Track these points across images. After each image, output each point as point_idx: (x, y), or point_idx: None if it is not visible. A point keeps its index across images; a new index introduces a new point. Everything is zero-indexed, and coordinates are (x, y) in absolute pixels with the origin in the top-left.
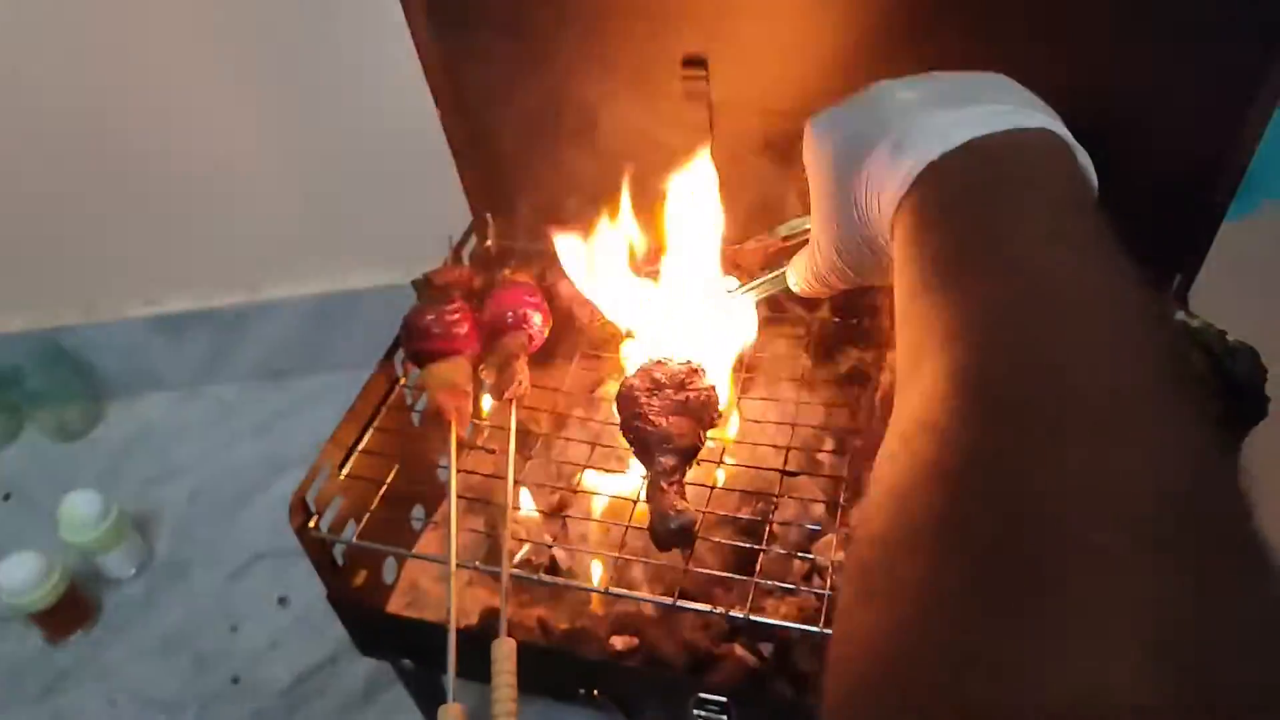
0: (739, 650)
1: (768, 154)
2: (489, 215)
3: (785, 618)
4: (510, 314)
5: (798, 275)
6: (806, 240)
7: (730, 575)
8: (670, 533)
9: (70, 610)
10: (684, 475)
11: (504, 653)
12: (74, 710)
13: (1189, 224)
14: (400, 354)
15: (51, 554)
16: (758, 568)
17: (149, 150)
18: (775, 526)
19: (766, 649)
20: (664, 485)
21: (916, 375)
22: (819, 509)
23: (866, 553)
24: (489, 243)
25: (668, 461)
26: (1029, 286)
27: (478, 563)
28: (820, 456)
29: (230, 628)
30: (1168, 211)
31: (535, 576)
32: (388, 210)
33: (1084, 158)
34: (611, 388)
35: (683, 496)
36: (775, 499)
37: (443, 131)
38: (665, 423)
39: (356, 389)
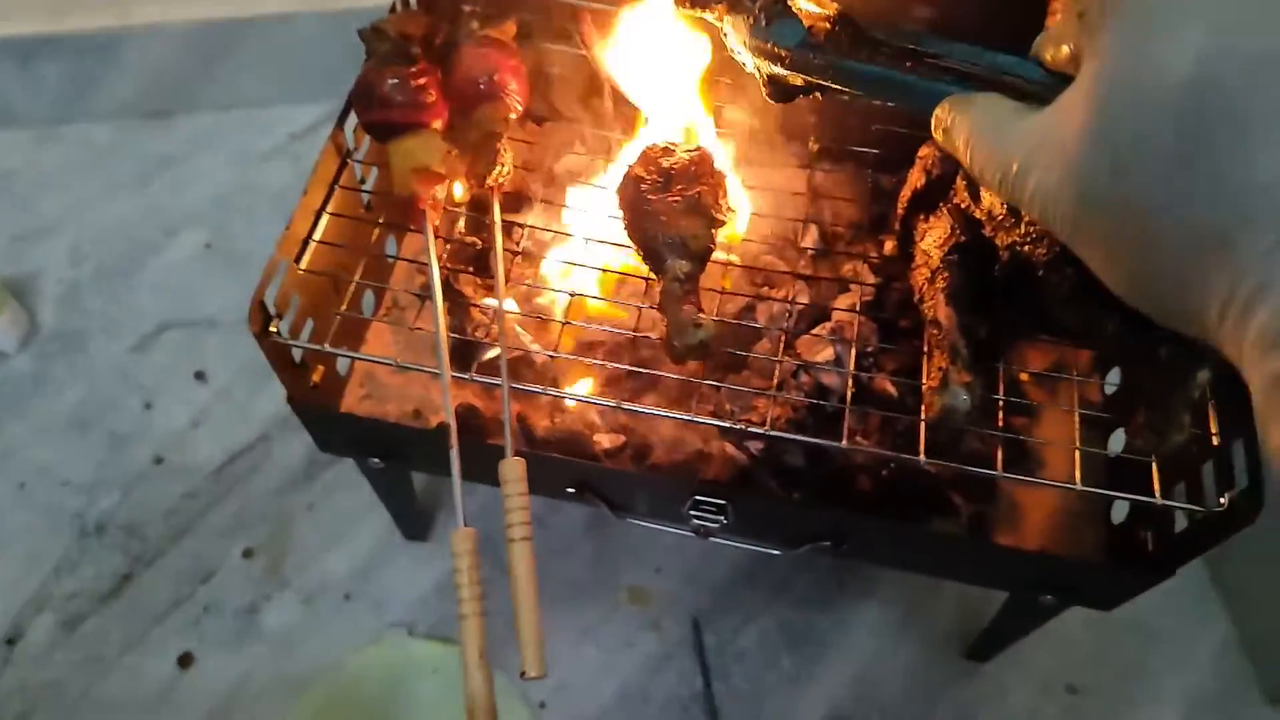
0: (729, 448)
1: None
2: None
3: (777, 418)
4: (484, 80)
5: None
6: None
7: (749, 389)
8: (690, 348)
9: None
10: (698, 281)
11: (516, 474)
12: None
13: None
14: (351, 123)
15: None
16: (776, 382)
17: None
18: (765, 323)
19: (755, 446)
20: (680, 294)
21: None
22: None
23: None
24: None
25: (682, 267)
26: None
27: (474, 374)
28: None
29: (143, 405)
30: None
31: (541, 389)
32: None
33: None
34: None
35: (699, 306)
36: (790, 306)
37: None
38: (678, 223)
39: (253, 132)
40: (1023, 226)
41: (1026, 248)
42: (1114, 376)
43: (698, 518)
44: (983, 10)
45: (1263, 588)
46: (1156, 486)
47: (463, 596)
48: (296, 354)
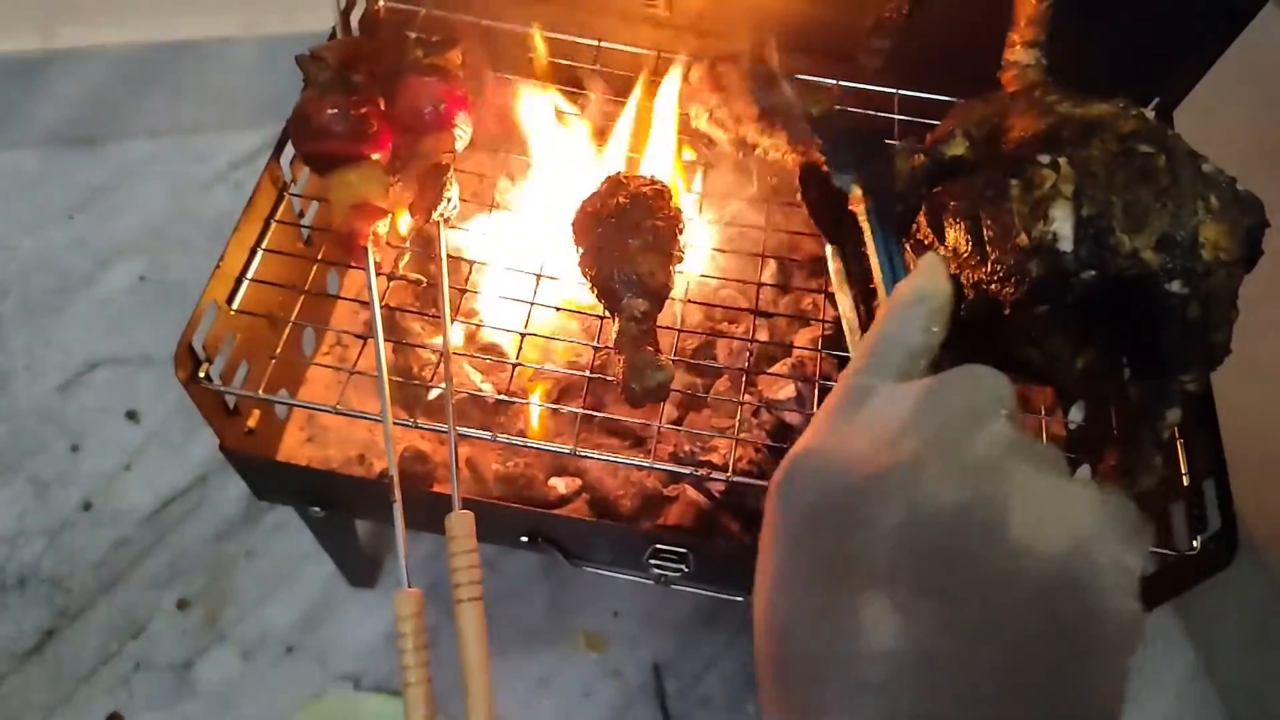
0: (690, 492)
1: None
2: None
3: (739, 459)
4: (429, 110)
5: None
6: None
7: (715, 432)
8: (648, 390)
9: None
10: (655, 320)
11: (464, 529)
12: None
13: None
14: (288, 153)
15: None
16: (737, 422)
17: None
18: (725, 361)
19: (717, 488)
20: (636, 334)
21: None
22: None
23: None
24: (380, 3)
25: (639, 306)
26: None
27: (418, 420)
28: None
29: (70, 447)
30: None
31: (489, 434)
32: None
33: None
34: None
35: (657, 346)
36: (750, 345)
37: None
38: (635, 260)
39: (190, 160)
40: (989, 264)
41: (993, 286)
42: (1076, 412)
43: (658, 567)
44: (937, 46)
45: (1227, 614)
46: None
47: (407, 664)
48: (229, 400)
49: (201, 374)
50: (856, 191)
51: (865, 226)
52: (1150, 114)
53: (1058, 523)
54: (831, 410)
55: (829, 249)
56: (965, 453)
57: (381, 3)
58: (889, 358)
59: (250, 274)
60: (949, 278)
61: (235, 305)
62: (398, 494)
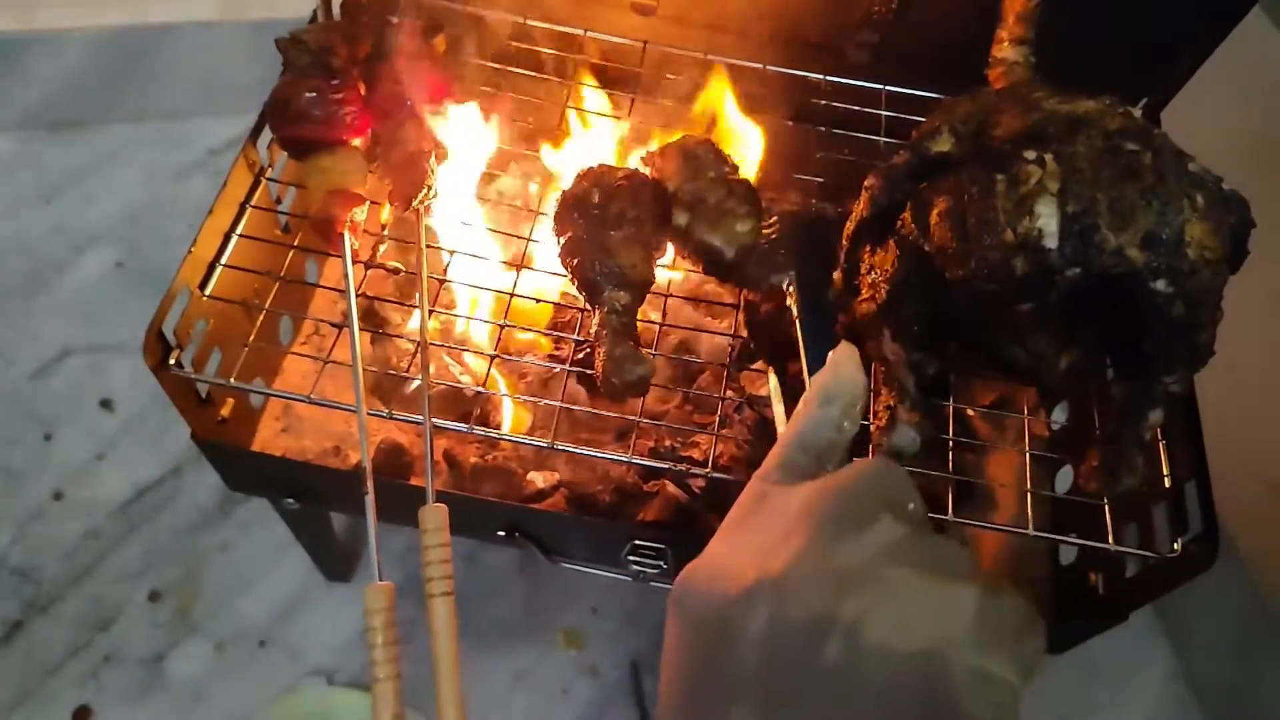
0: (669, 488)
1: None
2: None
3: (720, 455)
4: (409, 96)
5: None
6: None
7: (696, 427)
8: (628, 384)
9: None
10: (637, 314)
11: (437, 522)
12: None
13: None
14: (264, 137)
15: None
16: (718, 418)
17: None
18: (707, 356)
19: (697, 484)
20: (617, 328)
21: None
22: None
23: None
24: None
25: (620, 299)
26: None
27: (394, 412)
28: None
29: (43, 436)
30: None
31: (467, 427)
32: None
33: None
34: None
35: (638, 340)
36: (733, 340)
37: None
38: (617, 252)
39: (169, 146)
40: (974, 261)
41: (978, 283)
42: (1059, 413)
43: (636, 563)
44: (925, 41)
45: (1207, 616)
46: (1110, 529)
47: (376, 659)
48: (202, 388)
49: (172, 361)
50: (791, 288)
51: (795, 321)
52: (1138, 113)
53: (917, 631)
54: (730, 517)
55: (771, 375)
56: (834, 560)
57: None
58: (795, 459)
59: (224, 260)
60: (860, 372)
61: (208, 291)
62: (370, 486)
